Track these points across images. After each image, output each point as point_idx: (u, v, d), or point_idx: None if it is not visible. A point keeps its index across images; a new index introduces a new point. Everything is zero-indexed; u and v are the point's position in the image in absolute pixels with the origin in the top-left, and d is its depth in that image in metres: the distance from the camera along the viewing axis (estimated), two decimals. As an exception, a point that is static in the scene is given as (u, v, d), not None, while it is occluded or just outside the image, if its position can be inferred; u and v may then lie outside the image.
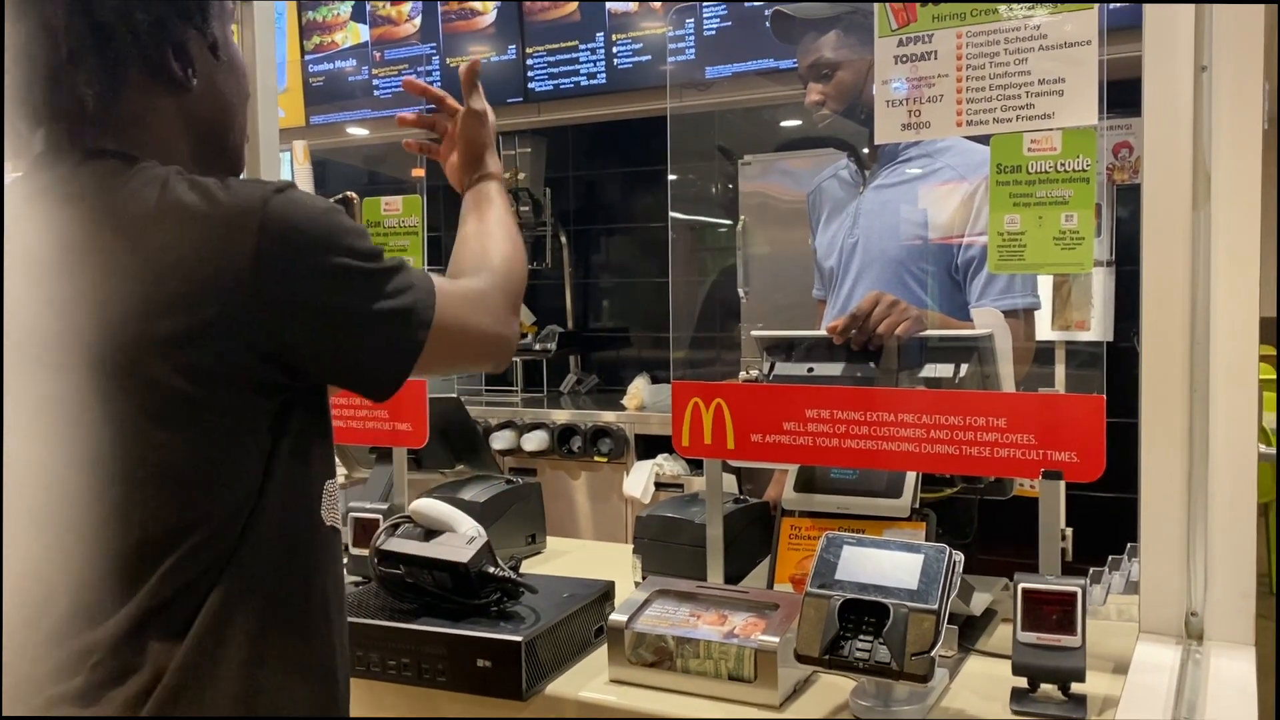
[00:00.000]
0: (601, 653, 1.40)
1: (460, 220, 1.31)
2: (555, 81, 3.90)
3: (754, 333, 1.65)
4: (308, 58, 4.39)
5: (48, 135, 0.98)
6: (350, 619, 1.43)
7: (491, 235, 1.26)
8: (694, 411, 1.55)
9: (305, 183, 3.22)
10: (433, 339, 1.02)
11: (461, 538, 1.47)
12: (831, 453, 1.47)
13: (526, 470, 3.70)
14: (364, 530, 1.75)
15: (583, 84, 3.85)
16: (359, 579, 1.70)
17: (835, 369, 1.61)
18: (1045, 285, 2.98)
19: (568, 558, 2.01)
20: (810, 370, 1.62)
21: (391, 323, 0.99)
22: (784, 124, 3.84)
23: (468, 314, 1.09)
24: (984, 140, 1.41)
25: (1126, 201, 3.26)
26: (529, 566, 1.85)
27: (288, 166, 3.54)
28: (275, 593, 0.96)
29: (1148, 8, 1.29)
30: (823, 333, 1.64)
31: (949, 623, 1.19)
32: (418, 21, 4.17)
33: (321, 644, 1.02)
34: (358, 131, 4.37)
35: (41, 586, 0.92)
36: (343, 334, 0.97)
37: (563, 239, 4.41)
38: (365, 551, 1.68)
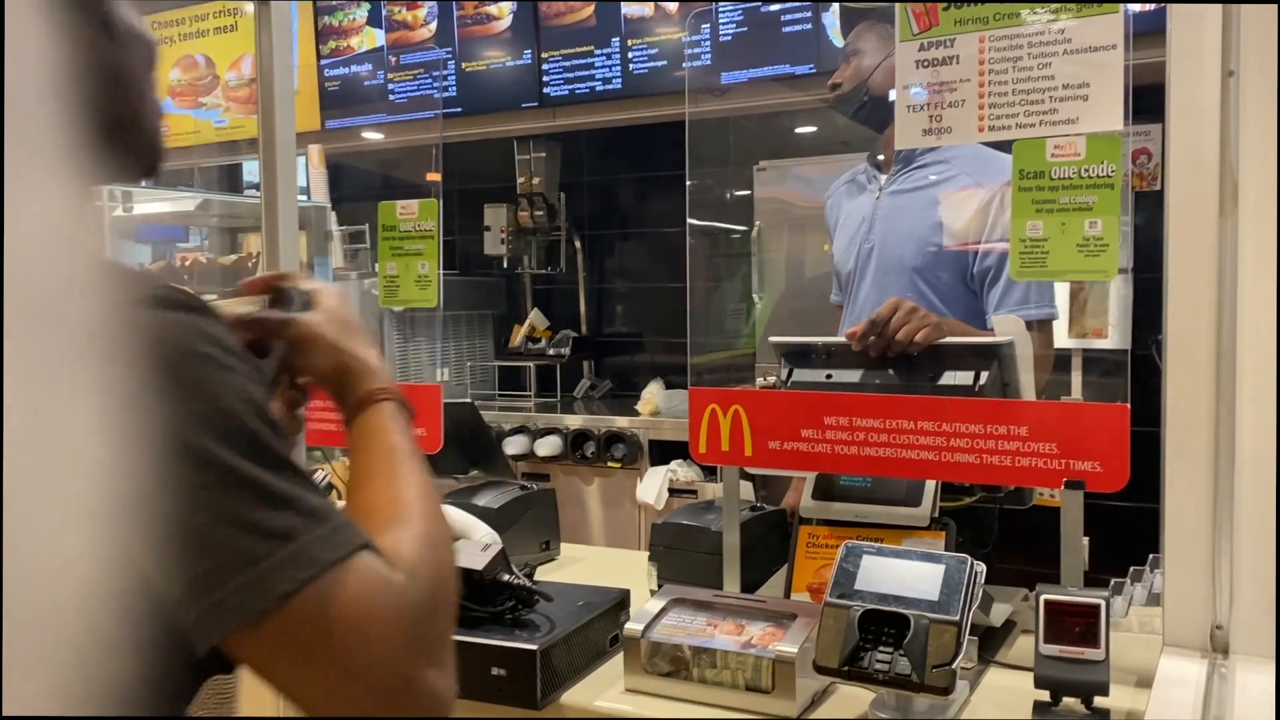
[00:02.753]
0: (617, 661, 1.39)
1: (354, 464, 0.86)
2: (571, 86, 3.89)
3: (772, 339, 1.63)
4: (323, 62, 4.40)
5: None
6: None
7: (428, 518, 0.79)
8: (711, 418, 1.54)
9: (320, 186, 3.22)
10: (286, 620, 0.64)
11: (476, 544, 1.46)
12: (850, 460, 1.46)
13: (539, 475, 3.69)
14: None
15: (598, 89, 3.84)
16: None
17: (854, 375, 1.59)
18: (1061, 292, 2.97)
19: (582, 564, 2.00)
20: (829, 377, 1.60)
21: (222, 570, 0.63)
22: (800, 130, 3.83)
23: (377, 618, 0.66)
24: (1001, 146, 1.39)
25: (1143, 208, 3.23)
26: (543, 573, 1.84)
27: (303, 170, 3.55)
28: None
29: (1173, 9, 1.27)
30: (841, 339, 1.63)
31: (969, 634, 1.17)
32: (433, 26, 4.17)
33: None
34: (373, 136, 4.38)
35: None
36: (178, 543, 0.63)
37: (577, 244, 4.41)
38: (379, 557, 1.67)
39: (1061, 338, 2.97)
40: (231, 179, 4.82)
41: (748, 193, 3.66)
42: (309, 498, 0.68)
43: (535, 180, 4.20)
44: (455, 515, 1.51)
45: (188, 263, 3.08)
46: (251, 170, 4.98)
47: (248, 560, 0.63)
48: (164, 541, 0.61)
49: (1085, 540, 1.36)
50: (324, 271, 2.54)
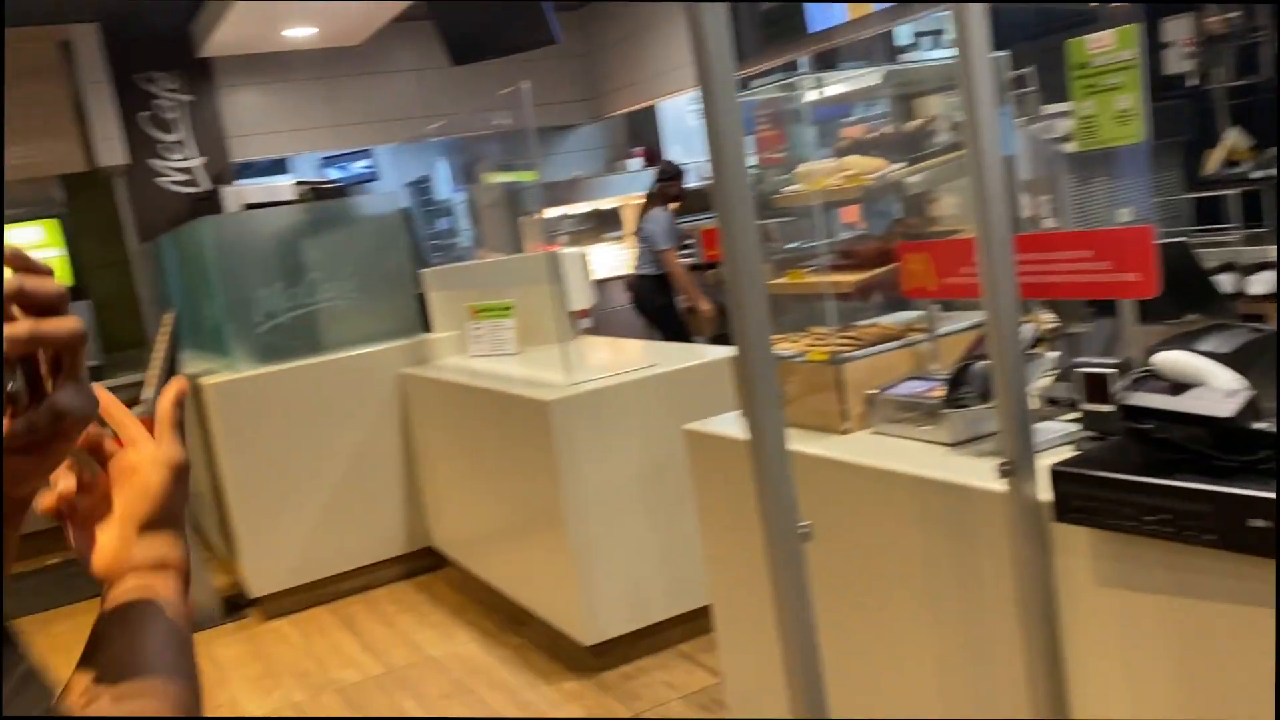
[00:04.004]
0: None
1: (97, 649, 0.67)
2: None
3: None
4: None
5: None
6: (1098, 473, 1.42)
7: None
8: None
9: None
10: None
11: (1219, 391, 1.36)
12: None
13: (1252, 316, 3.28)
14: (1094, 385, 1.71)
15: None
16: (1094, 434, 1.67)
17: None
18: None
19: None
20: None
21: None
22: None
23: None
24: None
25: None
26: (1290, 422, 1.66)
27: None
28: None
29: None
30: None
31: None
32: None
33: None
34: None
35: None
36: None
37: (1284, 43, 3.74)
38: (1099, 407, 1.65)
39: None
40: (892, 47, 4.92)
41: None
42: None
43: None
44: (1190, 361, 1.42)
45: (853, 137, 3.26)
46: (905, 34, 5.02)
47: None
48: None
49: None
50: (1006, 121, 2.50)
